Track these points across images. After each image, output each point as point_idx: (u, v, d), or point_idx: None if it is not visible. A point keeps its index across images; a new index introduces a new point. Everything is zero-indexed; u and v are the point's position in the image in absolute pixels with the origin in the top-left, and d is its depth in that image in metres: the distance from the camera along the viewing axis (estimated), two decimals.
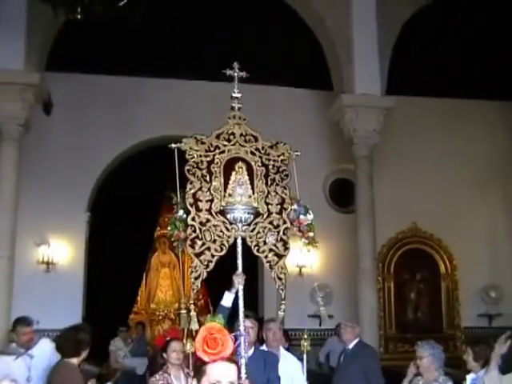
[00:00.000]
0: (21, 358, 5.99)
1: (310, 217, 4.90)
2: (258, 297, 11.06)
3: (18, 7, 7.74)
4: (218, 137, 4.74)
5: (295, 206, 4.88)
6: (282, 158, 4.94)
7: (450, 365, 5.54)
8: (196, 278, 4.46)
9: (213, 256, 4.51)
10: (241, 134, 4.83)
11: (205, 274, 4.44)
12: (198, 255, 4.48)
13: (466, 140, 12.29)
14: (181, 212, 4.65)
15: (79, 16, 6.31)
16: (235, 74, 4.85)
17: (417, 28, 9.54)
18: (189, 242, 4.50)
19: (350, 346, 6.37)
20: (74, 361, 5.31)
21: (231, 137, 4.80)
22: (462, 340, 11.43)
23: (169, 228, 4.68)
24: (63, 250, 10.82)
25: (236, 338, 4.18)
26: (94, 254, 11.12)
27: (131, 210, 10.98)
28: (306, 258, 10.87)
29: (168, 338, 5.47)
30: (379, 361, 6.81)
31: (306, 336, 5.33)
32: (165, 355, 5.36)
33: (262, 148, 4.89)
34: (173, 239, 4.69)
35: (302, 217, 4.93)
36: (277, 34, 9.69)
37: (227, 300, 4.70)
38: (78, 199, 10.95)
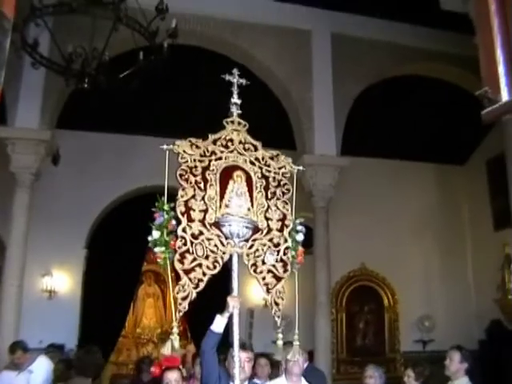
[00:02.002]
0: (22, 373, 6.02)
1: (299, 237, 4.16)
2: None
3: (38, 77, 7.86)
4: (214, 142, 3.89)
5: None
6: (283, 170, 4.10)
7: (390, 383, 5.61)
8: (183, 299, 3.42)
9: (204, 274, 3.50)
10: (240, 142, 4.00)
11: (194, 295, 3.45)
12: (187, 272, 3.46)
13: (406, 195, 12.58)
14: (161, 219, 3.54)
15: (86, 85, 6.46)
16: (234, 80, 4.16)
17: (366, 101, 9.81)
18: (177, 257, 3.45)
19: None
20: (89, 381, 5.25)
21: (229, 143, 3.94)
22: (401, 362, 11.50)
23: (155, 249, 3.52)
24: (64, 281, 10.79)
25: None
26: (89, 285, 11.06)
27: (122, 247, 10.99)
28: None
29: (164, 367, 4.14)
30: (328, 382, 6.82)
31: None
32: None
33: (262, 158, 4.04)
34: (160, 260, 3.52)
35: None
36: (250, 103, 9.88)
37: (219, 325, 3.59)
38: (78, 238, 10.94)
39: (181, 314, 3.42)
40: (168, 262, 3.49)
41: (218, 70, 4.14)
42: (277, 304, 3.86)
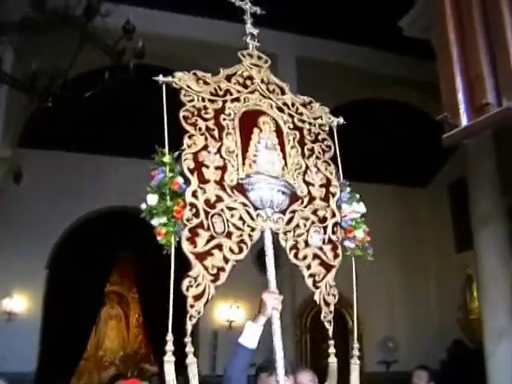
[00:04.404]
0: None
1: (361, 208, 3.22)
2: None
3: (0, 94, 7.75)
4: (228, 79, 2.93)
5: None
6: (319, 122, 3.19)
7: None
8: (197, 298, 2.32)
9: (226, 260, 2.45)
10: (262, 81, 2.99)
11: (212, 291, 2.37)
12: (201, 257, 2.37)
13: (369, 216, 12.52)
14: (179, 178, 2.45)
15: (50, 104, 6.40)
16: (247, 7, 3.10)
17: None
18: (187, 234, 2.36)
19: None
20: None
21: (248, 81, 2.95)
22: None
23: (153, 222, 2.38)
24: (23, 303, 10.54)
25: None
26: (50, 306, 10.84)
27: (85, 268, 10.83)
28: (235, 314, 10.94)
29: None
30: None
31: None
32: None
33: (293, 105, 3.08)
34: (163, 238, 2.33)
35: (344, 206, 3.13)
36: None
37: (251, 337, 2.48)
38: (39, 258, 10.74)
39: (194, 321, 2.31)
40: (174, 239, 2.34)
41: None
42: (327, 304, 2.92)
